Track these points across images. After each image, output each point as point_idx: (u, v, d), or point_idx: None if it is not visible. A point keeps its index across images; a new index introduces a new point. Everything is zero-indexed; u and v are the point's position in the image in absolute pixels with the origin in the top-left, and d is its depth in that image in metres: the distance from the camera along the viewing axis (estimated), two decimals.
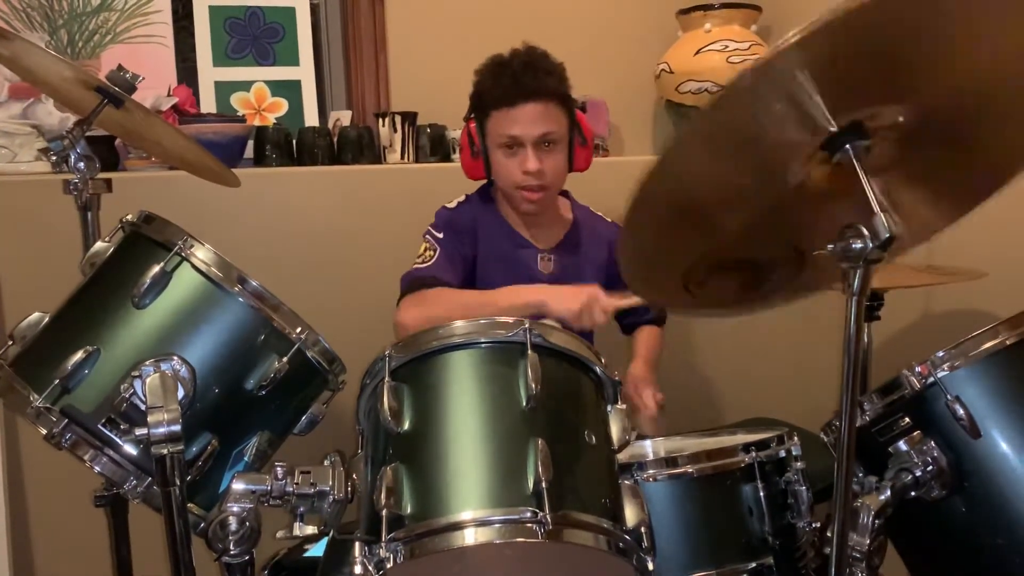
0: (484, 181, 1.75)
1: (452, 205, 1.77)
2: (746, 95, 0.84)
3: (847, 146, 0.92)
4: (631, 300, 1.49)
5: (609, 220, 1.86)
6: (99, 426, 1.08)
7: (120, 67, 1.38)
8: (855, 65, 0.84)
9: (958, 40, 0.85)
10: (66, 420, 1.08)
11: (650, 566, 1.04)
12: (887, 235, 0.88)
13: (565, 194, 1.84)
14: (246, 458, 1.17)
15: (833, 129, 0.91)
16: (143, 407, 1.02)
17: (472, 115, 1.69)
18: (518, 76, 1.61)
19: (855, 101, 0.90)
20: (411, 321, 1.55)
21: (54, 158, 1.39)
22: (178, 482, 1.01)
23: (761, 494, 1.22)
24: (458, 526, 0.97)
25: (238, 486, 1.08)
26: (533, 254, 1.74)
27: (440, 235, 1.71)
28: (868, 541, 1.12)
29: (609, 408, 1.15)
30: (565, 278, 1.73)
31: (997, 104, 0.95)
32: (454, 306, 1.53)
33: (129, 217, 1.24)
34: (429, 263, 1.66)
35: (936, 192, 1.08)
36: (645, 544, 1.04)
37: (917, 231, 1.09)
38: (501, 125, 1.62)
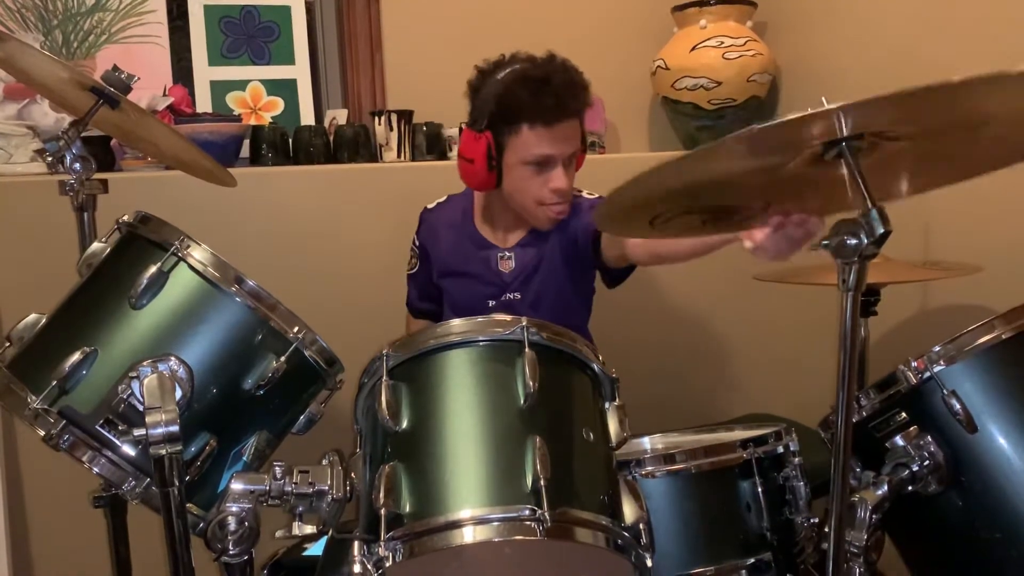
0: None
1: (431, 206, 1.82)
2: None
3: (843, 143, 0.92)
4: None
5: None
6: (97, 427, 1.08)
7: (115, 67, 1.38)
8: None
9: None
10: (64, 421, 1.08)
11: (649, 563, 1.04)
12: (882, 231, 0.88)
13: None
14: (244, 458, 1.17)
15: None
16: (141, 408, 1.02)
17: (488, 124, 1.52)
18: (561, 96, 1.49)
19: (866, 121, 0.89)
20: None
21: (50, 159, 1.39)
22: (177, 482, 1.00)
23: (759, 490, 1.22)
24: (457, 524, 0.97)
25: (237, 486, 1.08)
26: (493, 254, 1.71)
27: (417, 243, 1.81)
28: (865, 536, 1.13)
29: (607, 405, 1.15)
30: (524, 274, 1.69)
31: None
32: None
33: (125, 218, 1.23)
34: (412, 270, 1.84)
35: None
36: (644, 541, 1.05)
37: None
38: (535, 143, 1.50)
